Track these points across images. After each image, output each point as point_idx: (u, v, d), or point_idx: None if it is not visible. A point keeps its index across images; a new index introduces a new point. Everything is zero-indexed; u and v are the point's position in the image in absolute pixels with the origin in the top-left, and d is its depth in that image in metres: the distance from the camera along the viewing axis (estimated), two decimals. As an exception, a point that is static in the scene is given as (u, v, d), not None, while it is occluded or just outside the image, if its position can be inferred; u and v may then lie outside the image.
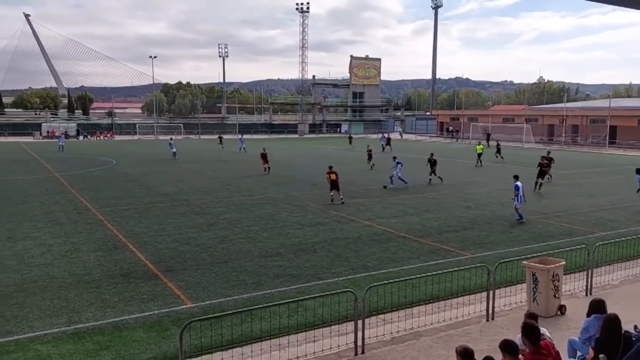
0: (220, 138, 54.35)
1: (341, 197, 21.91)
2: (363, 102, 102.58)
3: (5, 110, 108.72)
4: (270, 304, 9.68)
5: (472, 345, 5.78)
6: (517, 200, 17.99)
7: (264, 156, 32.86)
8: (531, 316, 6.72)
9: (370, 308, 9.14)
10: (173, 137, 54.60)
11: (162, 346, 8.45)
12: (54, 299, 10.53)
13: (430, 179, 28.35)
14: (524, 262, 10.12)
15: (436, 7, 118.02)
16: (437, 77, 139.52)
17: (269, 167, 32.53)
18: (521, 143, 62.95)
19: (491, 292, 9.47)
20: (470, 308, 9.95)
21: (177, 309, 10.09)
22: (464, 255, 14.05)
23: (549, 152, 29.58)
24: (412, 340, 8.60)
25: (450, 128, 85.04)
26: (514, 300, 10.35)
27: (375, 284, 9.30)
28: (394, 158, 27.54)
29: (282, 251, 14.28)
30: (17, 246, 14.56)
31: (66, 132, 70.85)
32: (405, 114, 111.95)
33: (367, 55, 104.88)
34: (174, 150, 42.84)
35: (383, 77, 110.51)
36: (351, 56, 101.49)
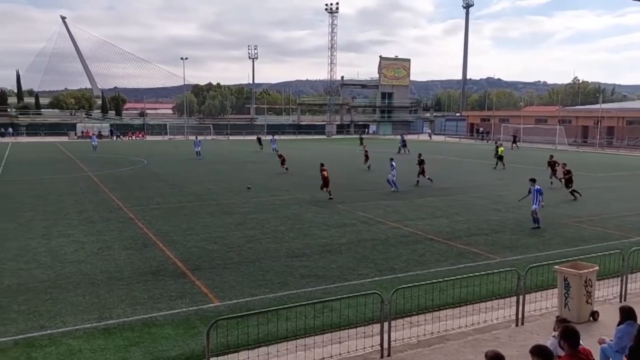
0: (259, 139, 54.92)
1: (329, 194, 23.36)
2: (392, 103, 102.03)
3: (42, 110, 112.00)
4: (296, 304, 9.70)
5: (502, 351, 5.67)
6: (535, 203, 17.49)
7: (280, 156, 34.47)
8: (563, 321, 6.55)
9: (396, 310, 9.06)
10: (199, 137, 55.41)
11: (190, 344, 8.56)
12: (86, 295, 10.79)
13: (417, 181, 28.10)
14: (556, 266, 9.88)
15: (467, 6, 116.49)
16: (468, 77, 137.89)
17: (286, 167, 33.47)
18: (554, 145, 61.55)
19: (521, 297, 9.27)
20: (499, 312, 9.77)
21: (205, 307, 10.21)
22: (494, 258, 13.81)
23: (551, 157, 28.93)
24: (439, 344, 8.49)
25: (481, 129, 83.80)
26: (544, 306, 10.11)
27: (402, 286, 9.22)
28: (391, 159, 26.69)
29: (308, 252, 14.30)
30: (51, 243, 14.98)
31: (99, 132, 72.78)
32: (434, 114, 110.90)
33: (396, 56, 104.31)
34: (198, 149, 43.90)
35: (412, 77, 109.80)
36: (380, 56, 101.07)
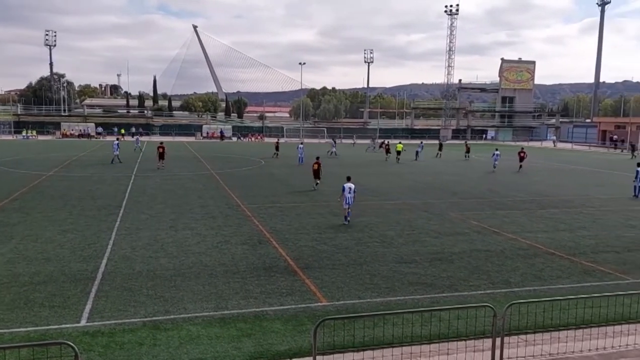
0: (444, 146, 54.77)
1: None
2: (513, 108, 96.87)
3: (174, 113, 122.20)
4: (403, 310, 9.57)
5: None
6: (345, 202, 18.32)
7: (161, 152, 35.35)
8: None
9: (510, 326, 8.57)
10: (303, 142, 57.03)
11: (298, 340, 8.80)
12: (205, 285, 11.56)
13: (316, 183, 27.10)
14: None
15: (603, 4, 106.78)
16: (602, 80, 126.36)
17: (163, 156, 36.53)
18: None
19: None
20: (630, 339, 8.83)
21: (313, 305, 10.45)
22: (625, 279, 12.52)
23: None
24: (558, 367, 7.88)
25: (615, 137, 76.44)
26: (687, 337, 8.95)
27: (518, 301, 8.71)
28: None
29: (417, 258, 14.04)
30: (177, 235, 16.27)
31: (223, 133, 78.40)
32: (560, 120, 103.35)
33: (519, 58, 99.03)
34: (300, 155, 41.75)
35: (537, 81, 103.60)
36: (502, 59, 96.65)
